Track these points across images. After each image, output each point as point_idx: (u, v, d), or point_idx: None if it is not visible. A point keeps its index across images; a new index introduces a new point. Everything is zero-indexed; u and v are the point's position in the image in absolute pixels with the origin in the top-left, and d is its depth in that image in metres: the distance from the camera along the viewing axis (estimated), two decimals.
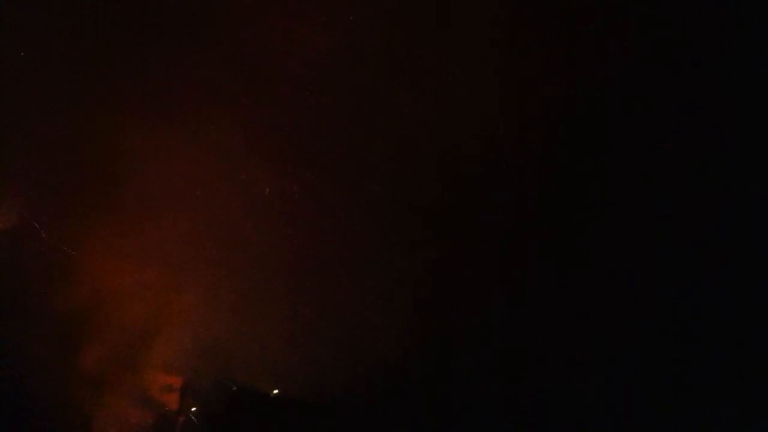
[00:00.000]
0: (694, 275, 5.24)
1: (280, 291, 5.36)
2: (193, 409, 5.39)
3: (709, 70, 5.21)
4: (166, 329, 5.36)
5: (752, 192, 5.22)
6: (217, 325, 5.35)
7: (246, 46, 5.22)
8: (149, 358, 5.36)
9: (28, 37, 5.17)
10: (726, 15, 5.17)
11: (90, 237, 5.25)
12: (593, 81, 5.18)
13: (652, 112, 5.25)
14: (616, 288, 5.27)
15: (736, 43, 5.17)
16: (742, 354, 5.19)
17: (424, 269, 5.36)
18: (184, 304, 5.36)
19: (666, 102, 5.24)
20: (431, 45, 5.26)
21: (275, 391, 5.44)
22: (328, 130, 5.31)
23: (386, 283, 5.36)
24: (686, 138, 5.23)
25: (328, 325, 5.36)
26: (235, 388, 5.41)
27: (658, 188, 5.27)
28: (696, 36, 5.19)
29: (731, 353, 5.19)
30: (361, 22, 5.21)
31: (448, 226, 5.37)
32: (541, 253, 5.33)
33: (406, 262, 5.34)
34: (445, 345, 5.38)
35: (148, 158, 5.21)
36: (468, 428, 5.34)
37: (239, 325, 5.35)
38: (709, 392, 5.19)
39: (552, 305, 5.31)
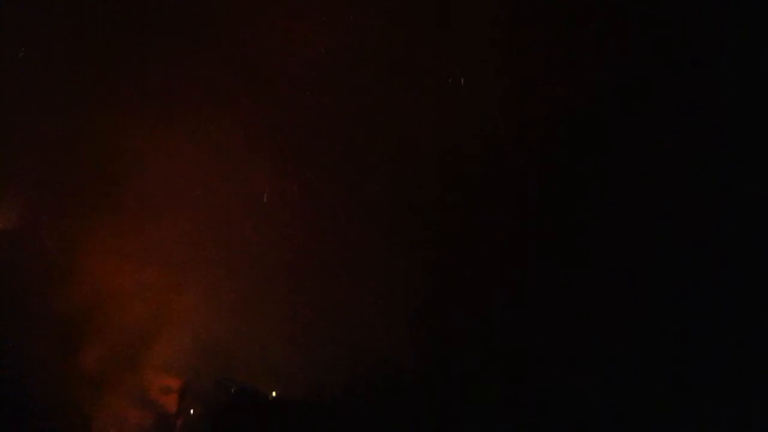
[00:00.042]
0: (694, 275, 5.23)
1: (280, 291, 5.36)
2: (193, 409, 5.39)
3: (709, 70, 5.21)
4: (166, 329, 5.36)
5: (752, 192, 5.22)
6: (217, 325, 5.36)
7: (246, 46, 5.22)
8: (149, 358, 5.36)
9: (28, 37, 5.17)
10: (726, 15, 5.17)
11: (90, 237, 5.26)
12: (593, 81, 5.18)
13: (652, 112, 5.25)
14: (616, 288, 5.27)
15: (736, 43, 5.17)
16: (742, 354, 5.19)
17: (424, 269, 5.36)
18: (184, 304, 5.36)
19: (666, 102, 5.24)
20: (431, 45, 5.25)
21: (275, 392, 5.45)
22: (328, 130, 5.31)
23: (386, 283, 5.36)
24: (686, 138, 5.22)
25: (328, 325, 5.36)
26: (235, 389, 5.41)
27: (658, 188, 5.26)
28: (696, 36, 5.19)
29: (731, 353, 5.19)
30: (361, 22, 5.21)
31: (448, 226, 5.37)
32: (541, 253, 5.33)
33: (406, 262, 5.34)
34: (445, 345, 5.39)
35: (148, 158, 5.21)
36: (468, 428, 5.34)
37: (239, 325, 5.35)
38: (709, 392, 5.19)
39: (552, 305, 5.30)
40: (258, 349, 5.37)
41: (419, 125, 5.27)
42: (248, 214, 5.29)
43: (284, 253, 5.32)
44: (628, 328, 5.26)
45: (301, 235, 5.33)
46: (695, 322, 5.25)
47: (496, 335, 5.33)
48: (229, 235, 5.32)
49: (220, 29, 5.22)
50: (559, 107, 5.24)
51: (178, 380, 5.40)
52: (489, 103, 5.26)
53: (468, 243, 5.37)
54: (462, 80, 5.23)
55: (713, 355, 5.20)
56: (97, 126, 5.19)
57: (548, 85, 5.25)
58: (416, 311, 5.38)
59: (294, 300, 5.36)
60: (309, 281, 5.37)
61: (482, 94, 5.25)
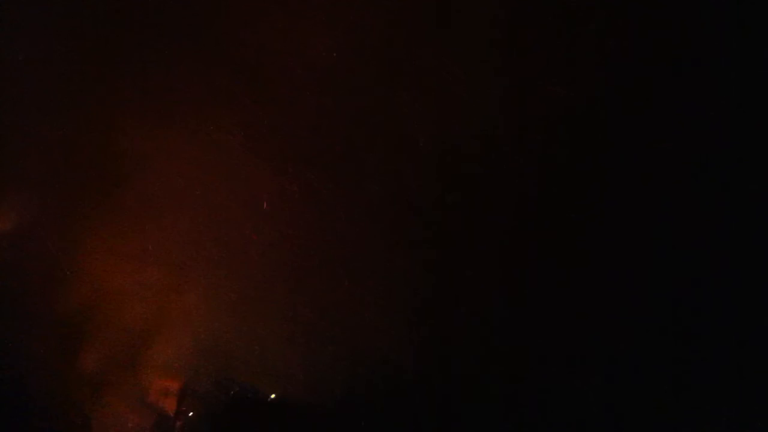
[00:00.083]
0: (694, 275, 5.23)
1: (280, 291, 5.36)
2: (193, 408, 5.39)
3: (709, 70, 5.21)
4: (166, 329, 5.36)
5: (752, 192, 5.22)
6: (217, 325, 5.36)
7: (246, 46, 5.22)
8: (149, 358, 5.36)
9: (28, 37, 5.17)
10: (726, 15, 5.16)
11: (90, 237, 5.26)
12: (593, 81, 5.18)
13: (652, 112, 5.24)
14: (616, 288, 5.27)
15: (736, 43, 5.17)
16: (742, 354, 5.19)
17: (424, 269, 5.36)
18: (184, 304, 5.36)
19: (666, 102, 5.23)
20: (431, 45, 5.25)
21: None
22: (328, 130, 5.31)
23: (386, 283, 5.36)
24: (686, 138, 5.22)
25: (328, 325, 5.36)
26: (235, 389, 5.41)
27: (658, 188, 5.26)
28: (696, 36, 5.19)
29: (731, 353, 5.19)
30: (361, 22, 5.20)
31: (448, 226, 5.36)
32: (541, 253, 5.33)
33: (406, 262, 5.34)
34: (445, 345, 5.38)
35: (148, 158, 5.21)
36: (468, 428, 5.34)
37: (239, 326, 5.36)
38: (709, 392, 5.19)
39: (552, 305, 5.30)
40: (258, 349, 5.37)
41: (419, 125, 5.27)
42: (248, 214, 5.29)
43: (284, 253, 5.32)
44: (628, 328, 5.26)
45: (301, 235, 5.32)
46: (695, 322, 5.25)
47: (496, 335, 5.33)
48: (229, 235, 5.32)
49: (220, 29, 5.22)
50: (559, 107, 5.24)
51: (177, 380, 5.40)
52: (489, 103, 5.25)
53: (468, 243, 5.37)
54: (462, 80, 5.23)
55: (713, 355, 5.20)
56: (97, 126, 5.19)
57: (548, 85, 5.25)
58: (416, 311, 5.38)
59: (294, 300, 5.36)
60: (309, 281, 5.37)
61: (482, 94, 5.25)
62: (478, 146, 5.31)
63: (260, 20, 5.22)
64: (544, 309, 5.31)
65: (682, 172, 5.25)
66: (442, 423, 5.37)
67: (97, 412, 5.24)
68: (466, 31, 5.27)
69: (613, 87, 5.19)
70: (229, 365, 5.38)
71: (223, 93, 5.23)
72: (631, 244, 5.28)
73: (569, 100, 5.22)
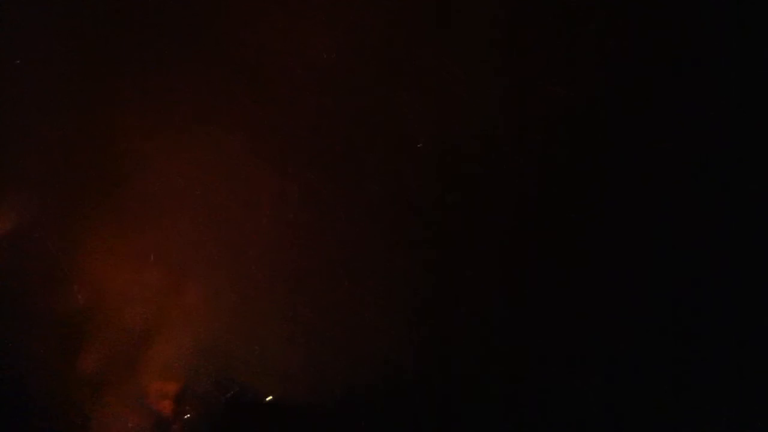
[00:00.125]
0: (694, 275, 5.23)
1: (280, 291, 5.36)
2: (193, 409, 5.39)
3: (709, 70, 5.21)
4: (166, 329, 5.36)
5: (752, 192, 5.22)
6: (217, 325, 5.35)
7: (246, 46, 5.22)
8: (149, 358, 5.36)
9: (28, 37, 5.17)
10: (726, 15, 5.17)
11: (90, 237, 5.25)
12: (593, 81, 5.18)
13: (652, 112, 5.25)
14: (616, 288, 5.27)
15: (736, 43, 5.17)
16: (742, 354, 5.19)
17: (424, 269, 5.36)
18: (184, 305, 5.36)
19: (666, 102, 5.24)
20: (431, 45, 5.26)
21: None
22: (328, 130, 5.31)
23: (386, 283, 5.35)
24: (686, 138, 5.23)
25: (328, 325, 5.36)
26: (235, 389, 5.41)
27: (658, 188, 5.27)
28: (696, 36, 5.19)
29: (731, 353, 5.19)
30: (361, 22, 5.21)
31: (448, 226, 5.36)
32: (541, 253, 5.33)
33: (406, 262, 5.34)
34: (445, 345, 5.38)
35: (148, 158, 5.21)
36: (468, 428, 5.34)
37: (239, 326, 5.35)
38: (709, 392, 5.19)
39: (552, 305, 5.30)
40: (258, 350, 5.36)
41: (419, 125, 5.27)
42: (248, 214, 5.29)
43: (284, 253, 5.32)
44: (628, 328, 5.26)
45: (301, 235, 5.32)
46: (695, 322, 5.25)
47: (496, 335, 5.32)
48: (229, 235, 5.31)
49: (220, 29, 5.22)
50: (559, 107, 5.24)
51: (177, 380, 5.40)
52: (489, 103, 5.26)
53: (468, 243, 5.37)
54: (462, 80, 5.23)
55: (713, 355, 5.20)
56: (97, 126, 5.18)
57: (548, 85, 5.25)
58: (416, 311, 5.37)
59: (294, 300, 5.36)
60: (309, 281, 5.37)
61: (482, 94, 5.25)
62: (478, 146, 5.31)
63: (260, 20, 5.22)
64: (544, 309, 5.31)
65: (682, 172, 5.25)
66: (442, 423, 5.37)
67: (97, 412, 5.23)
68: (466, 31, 5.27)
69: (613, 87, 5.19)
70: (229, 365, 5.37)
71: (223, 93, 5.23)
72: (631, 244, 5.28)
73: (569, 100, 5.23)
